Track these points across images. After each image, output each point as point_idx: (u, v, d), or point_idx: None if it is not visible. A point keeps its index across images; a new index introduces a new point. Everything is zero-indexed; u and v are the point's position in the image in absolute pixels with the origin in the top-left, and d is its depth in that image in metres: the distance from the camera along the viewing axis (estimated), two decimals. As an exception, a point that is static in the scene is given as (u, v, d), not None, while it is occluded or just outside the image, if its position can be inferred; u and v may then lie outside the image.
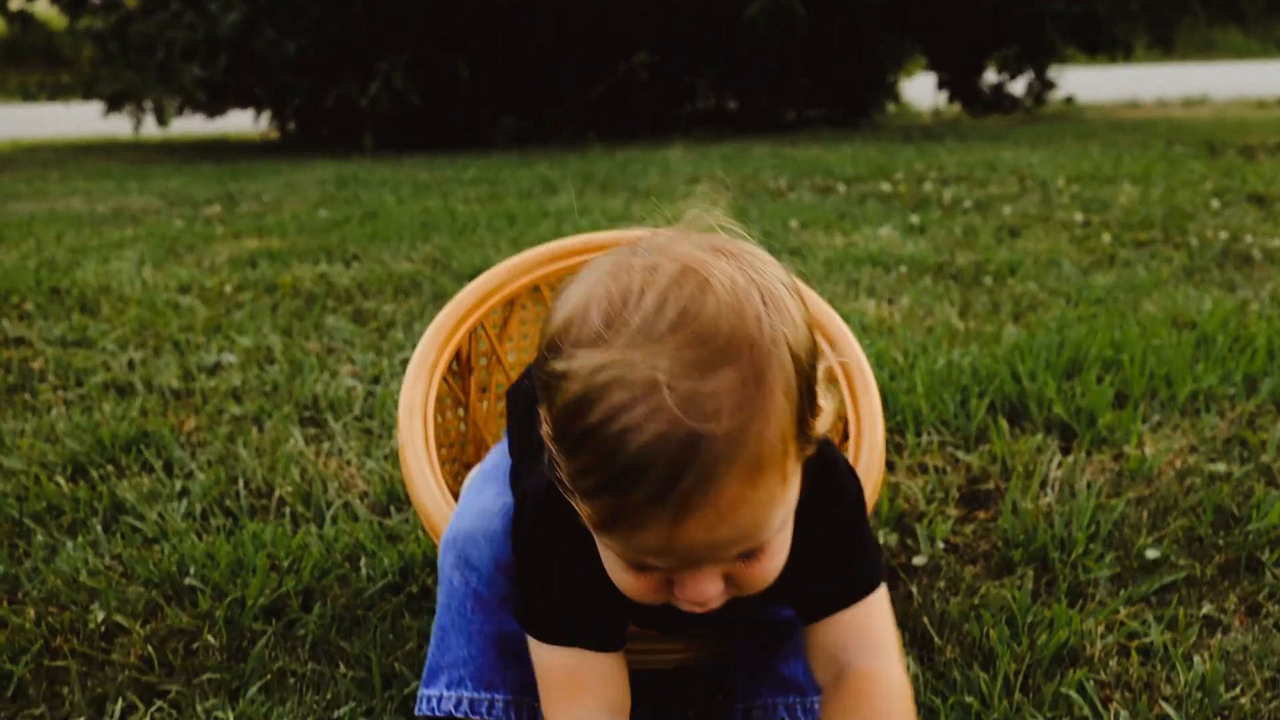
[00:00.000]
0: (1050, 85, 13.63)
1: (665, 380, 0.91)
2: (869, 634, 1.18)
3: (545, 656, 1.20)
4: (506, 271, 1.87)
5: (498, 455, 1.53)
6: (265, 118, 11.94)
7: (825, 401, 1.05)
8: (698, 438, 0.91)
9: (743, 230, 1.07)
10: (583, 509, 0.99)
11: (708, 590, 1.03)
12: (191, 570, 1.84)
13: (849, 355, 1.64)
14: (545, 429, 1.02)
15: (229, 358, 3.05)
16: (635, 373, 0.92)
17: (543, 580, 1.20)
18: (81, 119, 14.34)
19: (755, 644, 1.36)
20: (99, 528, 2.03)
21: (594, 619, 1.19)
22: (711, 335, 0.93)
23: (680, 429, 0.90)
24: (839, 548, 1.19)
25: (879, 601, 1.20)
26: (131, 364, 3.03)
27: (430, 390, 1.71)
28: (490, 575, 1.30)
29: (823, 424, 1.04)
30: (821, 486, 1.11)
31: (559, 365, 0.96)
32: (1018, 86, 13.73)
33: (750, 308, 0.96)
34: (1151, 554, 1.85)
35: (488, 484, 1.42)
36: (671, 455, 0.90)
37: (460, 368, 1.84)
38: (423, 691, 1.34)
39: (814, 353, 1.02)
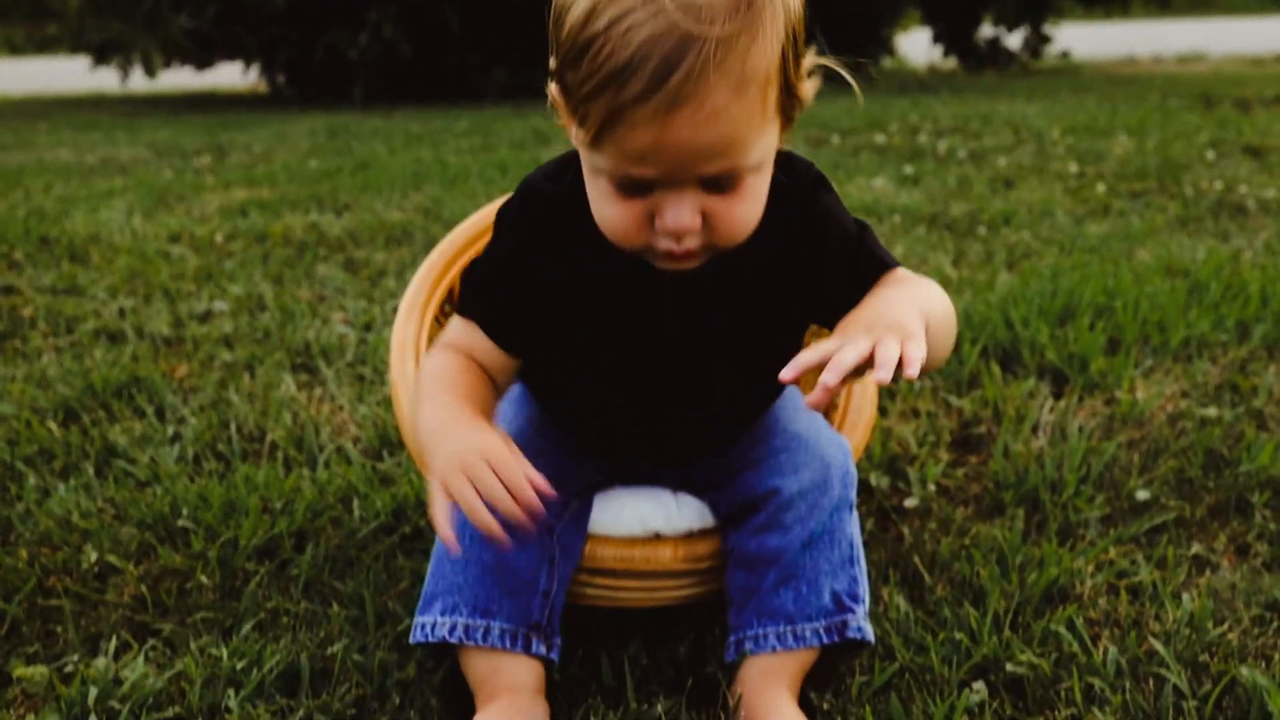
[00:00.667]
0: (1046, 39, 13.56)
1: None
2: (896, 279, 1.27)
3: (452, 325, 1.33)
4: (495, 211, 1.86)
5: (514, 390, 1.52)
6: (254, 71, 11.84)
7: (807, 83, 1.13)
8: (691, 37, 0.99)
9: None
10: (581, 131, 1.07)
11: (685, 214, 1.08)
12: (184, 512, 1.84)
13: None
14: (552, 68, 1.11)
15: (220, 305, 3.04)
16: None
17: (486, 260, 1.31)
18: (69, 74, 14.20)
19: (743, 577, 1.36)
20: (91, 471, 2.02)
21: (512, 312, 1.28)
22: None
23: (676, 29, 0.99)
24: (851, 240, 1.27)
25: (904, 274, 1.28)
26: (122, 311, 3.01)
27: (422, 329, 1.70)
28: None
29: (805, 91, 1.12)
30: (826, 202, 1.25)
31: None
32: (1014, 41, 13.65)
33: None
34: (1142, 495, 1.86)
35: (504, 407, 1.44)
36: (666, 51, 0.99)
37: (452, 308, 1.83)
38: (418, 619, 1.34)
39: (802, 23, 1.10)
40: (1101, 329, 2.54)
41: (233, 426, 2.21)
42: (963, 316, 2.65)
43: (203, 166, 5.70)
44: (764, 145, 1.09)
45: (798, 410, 1.44)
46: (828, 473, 1.34)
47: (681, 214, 1.09)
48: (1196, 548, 1.72)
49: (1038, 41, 13.56)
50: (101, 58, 11.46)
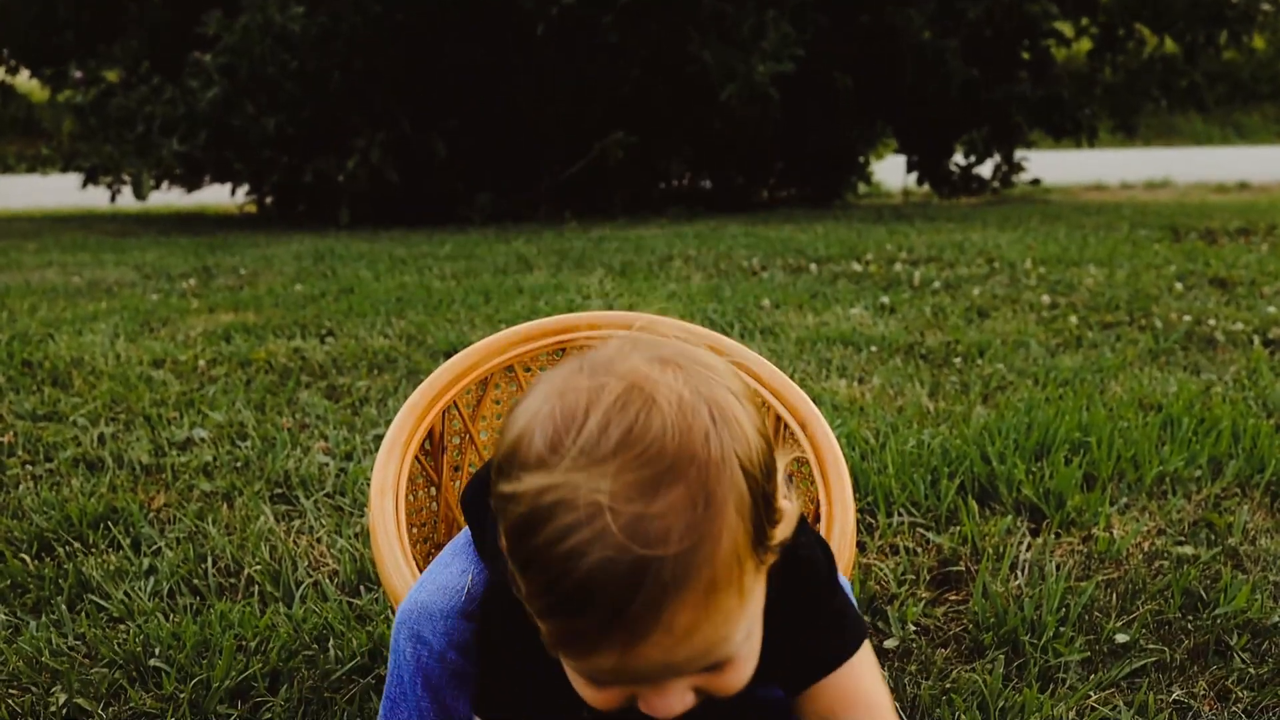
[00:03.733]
0: (1017, 168, 13.90)
1: (608, 504, 0.90)
2: (858, 695, 1.18)
3: None
4: (481, 351, 1.88)
5: (469, 533, 1.52)
6: (243, 191, 11.99)
7: (788, 502, 1.03)
8: (645, 563, 0.89)
9: (693, 333, 1.07)
10: (540, 626, 0.97)
11: (674, 704, 1.00)
12: (156, 651, 1.82)
13: (820, 436, 1.66)
14: (502, 543, 1.00)
15: (200, 433, 3.03)
16: (579, 495, 0.91)
17: (496, 667, 1.21)
18: (59, 190, 14.35)
19: None
20: (63, 606, 2.00)
21: (539, 708, 1.18)
22: (657, 456, 0.92)
23: (626, 555, 0.89)
24: (815, 618, 1.19)
25: (863, 662, 1.20)
26: (102, 439, 3.01)
27: (403, 469, 1.71)
28: (441, 651, 1.29)
29: (784, 530, 1.02)
30: (789, 571, 1.10)
31: (506, 487, 0.96)
32: (985, 169, 13.99)
33: (698, 425, 0.94)
34: (1121, 638, 1.86)
35: (455, 559, 1.42)
36: (618, 581, 0.89)
37: (433, 447, 1.85)
38: None
39: (769, 464, 1.00)
40: (1077, 464, 2.57)
41: (209, 560, 2.20)
42: (940, 451, 2.67)
43: (188, 289, 5.75)
44: (748, 621, 1.00)
45: None
46: None
47: (669, 703, 1.00)
48: (1177, 693, 1.71)
49: (1009, 169, 13.89)
50: (91, 178, 11.60)
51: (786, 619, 1.13)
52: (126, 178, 11.20)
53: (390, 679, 1.34)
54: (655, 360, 0.99)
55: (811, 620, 1.18)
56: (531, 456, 0.95)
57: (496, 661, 1.21)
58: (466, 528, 1.59)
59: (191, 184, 11.52)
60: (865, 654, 1.20)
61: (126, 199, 11.69)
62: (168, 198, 12.15)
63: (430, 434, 1.83)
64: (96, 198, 12.13)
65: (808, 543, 1.22)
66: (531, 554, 0.92)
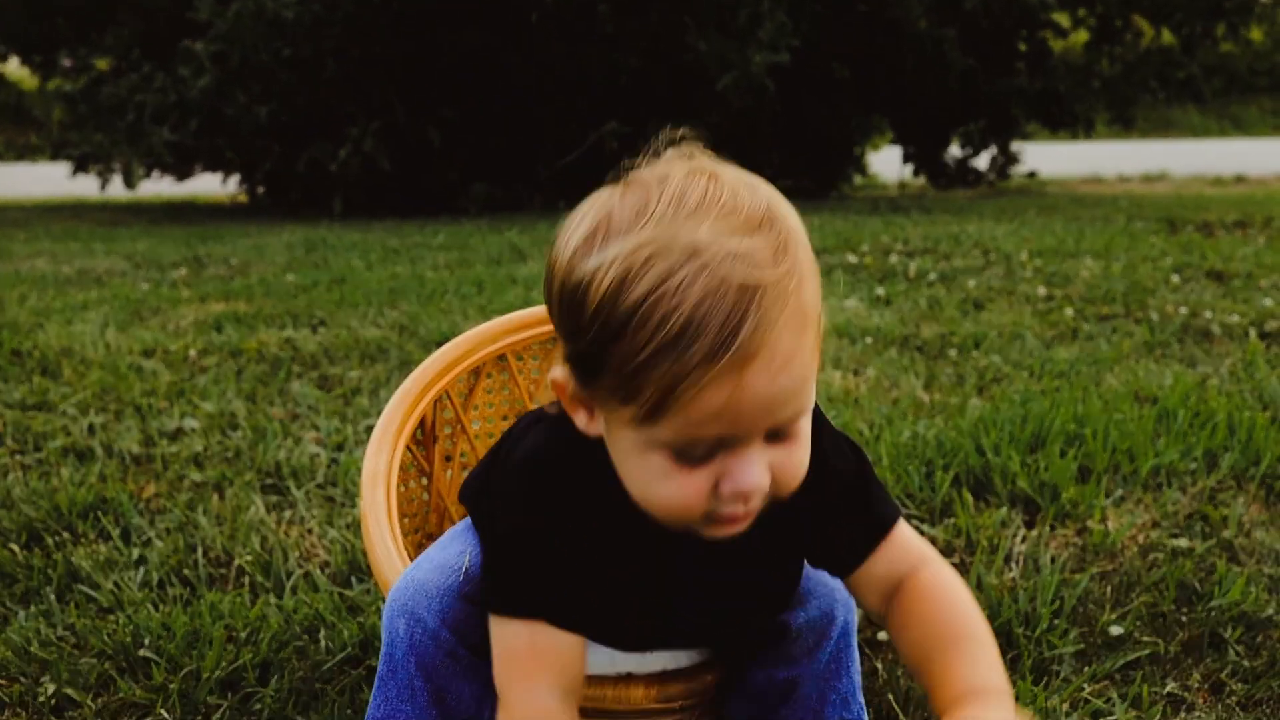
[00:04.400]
0: (1013, 160, 13.90)
1: (706, 242, 0.96)
2: (906, 553, 1.22)
3: (507, 634, 1.17)
4: (473, 339, 1.87)
5: (467, 520, 1.51)
6: (234, 180, 11.96)
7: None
8: (749, 287, 0.96)
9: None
10: (629, 408, 1.00)
11: (758, 472, 1.04)
12: (146, 641, 1.80)
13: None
14: (561, 366, 1.06)
15: (191, 423, 3.02)
16: (675, 242, 0.97)
17: (515, 551, 1.18)
18: (49, 179, 14.30)
19: (749, 708, 1.34)
20: (52, 597, 1.99)
21: (563, 591, 1.16)
22: (736, 209, 1.00)
23: (732, 280, 0.95)
24: (853, 491, 1.23)
25: (903, 532, 1.24)
26: (92, 428, 2.99)
27: (394, 458, 1.69)
28: (435, 630, 1.27)
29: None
30: (823, 442, 1.17)
31: (590, 263, 1.00)
32: (981, 161, 13.98)
33: (762, 192, 1.03)
34: (1115, 630, 1.85)
35: (453, 542, 1.40)
36: (729, 305, 0.95)
37: (425, 436, 1.83)
38: None
39: (808, 250, 1.06)
40: (1072, 457, 2.56)
41: (199, 550, 2.18)
42: (934, 443, 2.67)
43: (179, 279, 5.72)
44: (813, 386, 1.07)
45: None
46: (833, 602, 1.34)
47: (754, 472, 1.04)
48: (1171, 686, 1.71)
49: (1005, 161, 13.90)
50: (81, 166, 11.56)
51: (827, 490, 1.19)
52: (117, 166, 11.16)
53: (382, 658, 1.31)
54: (702, 160, 1.08)
55: (851, 494, 1.23)
56: (613, 229, 1.01)
57: (509, 542, 1.19)
58: (465, 519, 1.57)
59: (182, 173, 11.48)
60: (903, 527, 1.25)
61: (116, 188, 11.66)
62: (158, 187, 12.11)
63: (422, 423, 1.82)
64: (87, 187, 12.10)
65: (836, 450, 1.25)
66: (634, 306, 0.96)
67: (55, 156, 11.99)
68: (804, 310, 1.00)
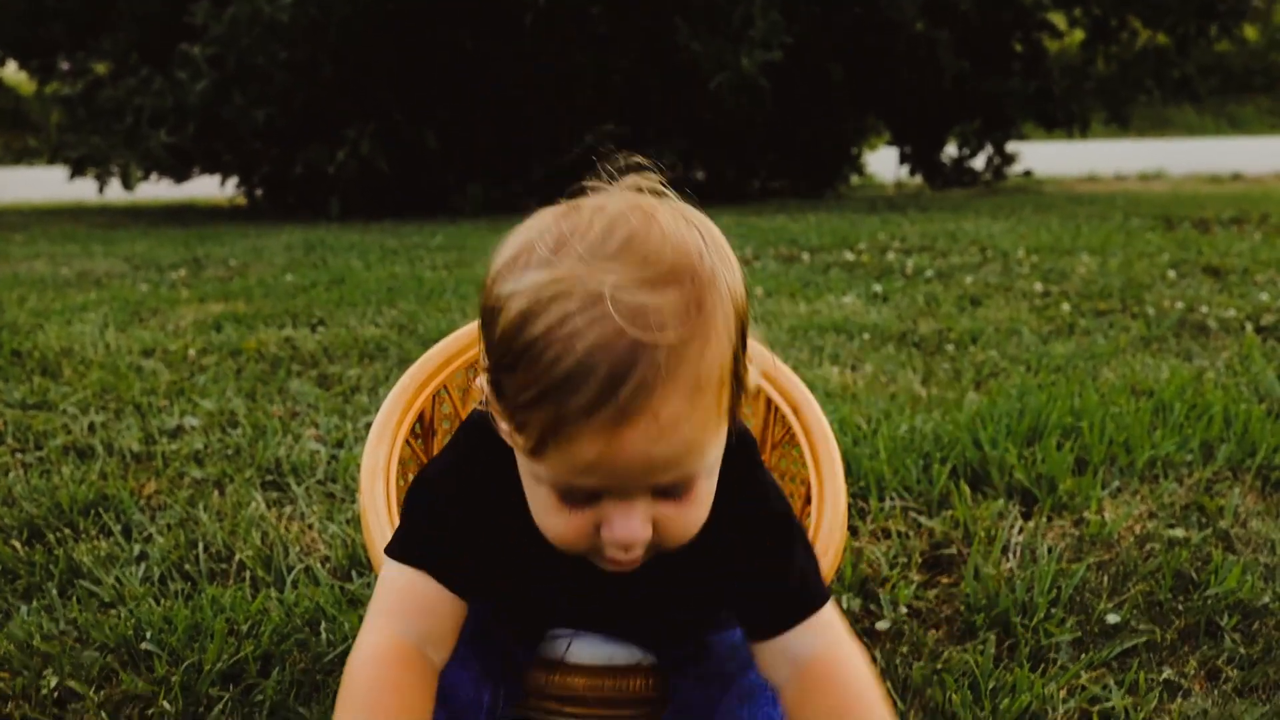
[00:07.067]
0: (1010, 159, 13.92)
1: (611, 292, 0.94)
2: (824, 630, 1.17)
3: (390, 573, 1.19)
4: (471, 334, 1.88)
5: None
6: (232, 184, 11.96)
7: (751, 369, 1.07)
8: (642, 346, 0.93)
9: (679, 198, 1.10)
10: (520, 438, 1.00)
11: (636, 526, 1.03)
12: (148, 635, 1.81)
13: (811, 420, 1.65)
14: (484, 366, 1.04)
15: (191, 421, 3.02)
16: (582, 285, 0.94)
17: (423, 507, 1.22)
18: (47, 183, 14.31)
19: (696, 695, 1.34)
20: (54, 592, 1.99)
21: (455, 553, 1.18)
22: (656, 259, 0.97)
23: (625, 337, 0.93)
24: (775, 553, 1.20)
25: (826, 615, 1.19)
26: (92, 427, 3.00)
27: (393, 452, 1.70)
28: None
29: (750, 380, 1.06)
30: (748, 486, 1.17)
31: (505, 288, 0.99)
32: (978, 161, 14.00)
33: (694, 243, 1.00)
34: (1112, 619, 1.86)
35: None
36: (615, 360, 0.92)
37: (423, 430, 1.84)
38: None
39: (746, 302, 1.05)
40: (1069, 449, 2.57)
41: (200, 545, 2.19)
42: (932, 436, 2.68)
43: (178, 280, 5.73)
44: (717, 447, 1.05)
45: None
46: None
47: (632, 526, 1.03)
48: (1168, 672, 1.71)
49: (1001, 161, 13.92)
50: (79, 169, 11.56)
51: (748, 544, 1.18)
52: (115, 169, 11.17)
53: None
54: (649, 193, 1.06)
55: (773, 556, 1.19)
56: (535, 259, 0.99)
57: (426, 498, 1.23)
58: None
59: (180, 175, 11.49)
60: (830, 609, 1.19)
61: (114, 192, 11.66)
62: (156, 191, 12.12)
63: (420, 417, 1.83)
64: (84, 190, 12.11)
65: (766, 478, 1.25)
66: (529, 342, 0.95)
67: (53, 160, 11.97)
68: (702, 374, 0.96)
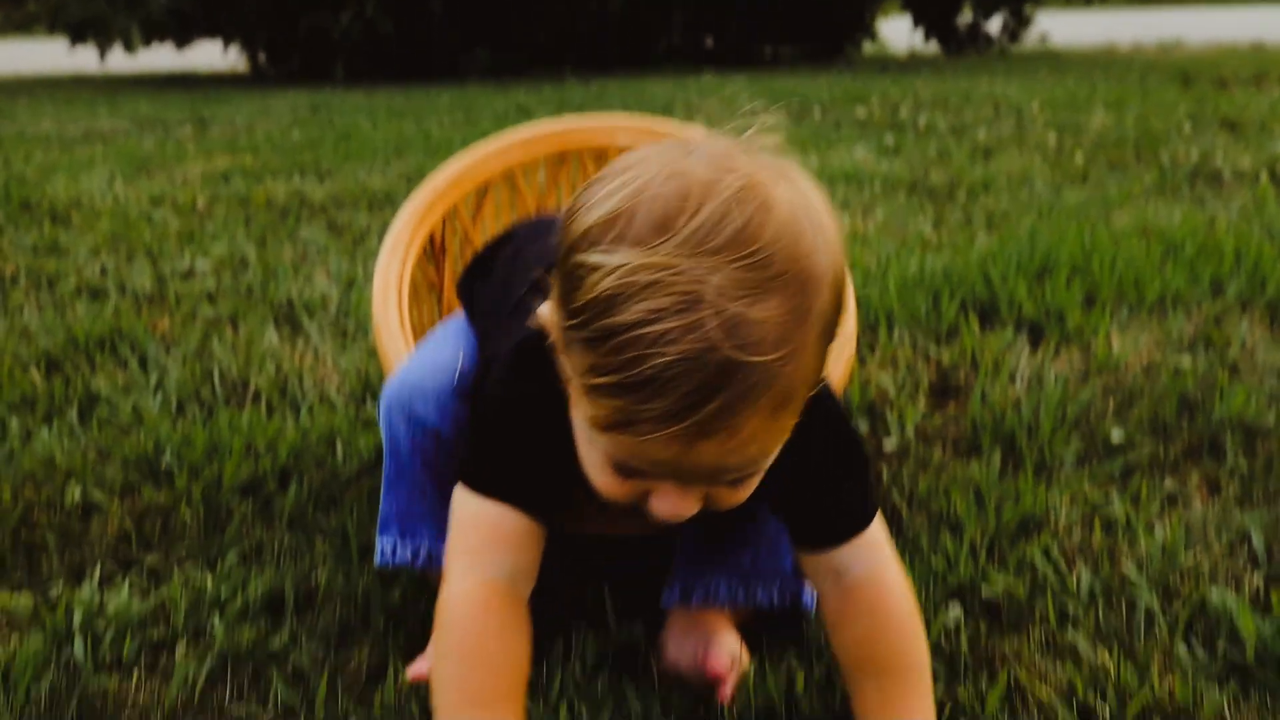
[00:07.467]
0: (1026, 22, 13.61)
1: (712, 297, 0.86)
2: (866, 555, 1.16)
3: (471, 507, 1.14)
4: (479, 155, 1.87)
5: (463, 318, 1.51)
6: (234, 50, 11.78)
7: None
8: (735, 366, 0.86)
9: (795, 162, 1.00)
10: (584, 404, 0.94)
11: (687, 508, 1.00)
12: (167, 452, 1.85)
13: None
14: (552, 312, 0.97)
15: (203, 264, 3.04)
16: (681, 281, 0.86)
17: (495, 436, 1.15)
18: (48, 55, 14.10)
19: (699, 532, 1.34)
20: (74, 417, 2.03)
21: (536, 483, 1.13)
22: (766, 261, 0.88)
23: (718, 352, 0.85)
24: (837, 475, 1.16)
25: (874, 532, 1.17)
26: (104, 270, 3.01)
27: (405, 270, 1.71)
28: (436, 428, 1.28)
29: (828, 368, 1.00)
30: (815, 410, 1.05)
31: (594, 258, 0.89)
32: (994, 25, 13.70)
33: (806, 238, 0.91)
34: (1116, 437, 1.89)
35: (446, 341, 1.39)
36: (704, 377, 0.86)
37: (434, 251, 1.84)
38: (380, 539, 1.33)
39: (843, 290, 0.97)
40: (1078, 285, 2.57)
41: (215, 375, 2.22)
42: (941, 273, 2.68)
43: (184, 137, 5.69)
44: (781, 441, 0.98)
45: None
46: None
47: (685, 506, 1.00)
48: (1169, 485, 1.74)
49: (1017, 25, 13.60)
50: (79, 36, 11.37)
51: (808, 461, 1.11)
52: (116, 35, 10.99)
53: (387, 461, 1.33)
54: (768, 166, 0.95)
55: (830, 472, 1.15)
56: (632, 231, 0.89)
57: (490, 427, 1.16)
58: (455, 314, 1.57)
59: (182, 40, 11.31)
60: (877, 527, 1.17)
61: (116, 61, 11.49)
62: (158, 58, 11.94)
63: (431, 239, 1.83)
64: (85, 60, 11.94)
65: (843, 418, 1.19)
66: (613, 329, 0.87)
67: (53, 27, 11.76)
68: (791, 390, 0.90)
